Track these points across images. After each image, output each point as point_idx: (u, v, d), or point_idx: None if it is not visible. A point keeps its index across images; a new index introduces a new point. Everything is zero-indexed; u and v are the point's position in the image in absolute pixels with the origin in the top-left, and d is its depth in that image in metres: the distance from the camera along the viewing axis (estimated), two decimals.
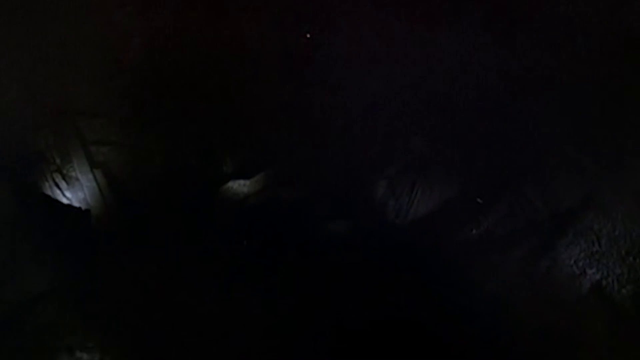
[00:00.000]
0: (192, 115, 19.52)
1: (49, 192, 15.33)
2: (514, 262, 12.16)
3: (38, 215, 12.81)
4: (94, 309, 9.77)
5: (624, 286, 11.27)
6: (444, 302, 11.83)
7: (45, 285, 10.68)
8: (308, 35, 17.92)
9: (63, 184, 17.29)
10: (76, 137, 18.52)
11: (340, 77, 18.67)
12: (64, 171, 17.75)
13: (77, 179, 17.67)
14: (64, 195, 16.01)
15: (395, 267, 13.67)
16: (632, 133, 13.69)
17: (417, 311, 12.04)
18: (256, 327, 9.33)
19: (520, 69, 16.13)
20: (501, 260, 12.35)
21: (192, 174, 19.02)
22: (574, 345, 10.00)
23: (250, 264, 14.34)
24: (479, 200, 14.58)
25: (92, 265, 11.93)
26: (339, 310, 12.35)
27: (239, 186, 18.83)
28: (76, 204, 15.57)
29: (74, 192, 17.17)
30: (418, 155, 17.41)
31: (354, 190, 17.64)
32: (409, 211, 16.24)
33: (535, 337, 10.08)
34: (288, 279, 13.76)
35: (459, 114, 17.00)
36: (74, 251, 12.19)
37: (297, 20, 18.18)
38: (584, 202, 13.07)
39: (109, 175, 18.31)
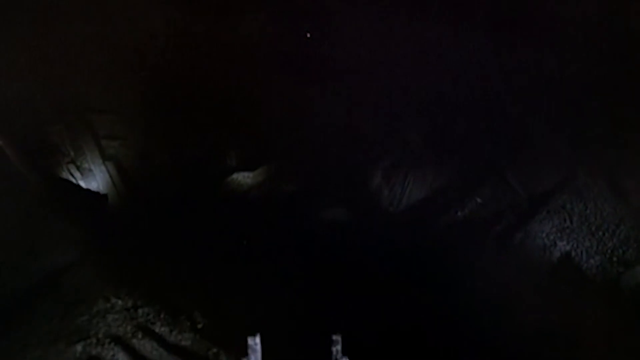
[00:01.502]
0: (197, 113, 21.32)
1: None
2: (492, 237, 14.01)
3: (63, 198, 14.62)
4: (117, 270, 11.67)
5: (592, 257, 13.08)
6: (433, 275, 13.52)
7: (75, 254, 12.45)
8: (308, 35, 19.68)
9: (78, 175, 19.01)
10: (88, 132, 20.30)
11: (340, 75, 20.48)
12: (78, 163, 19.51)
13: (91, 170, 19.44)
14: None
15: (390, 249, 15.34)
16: (608, 124, 15.60)
17: (410, 284, 13.69)
18: (257, 306, 10.57)
19: (508, 68, 18.02)
20: (481, 236, 14.18)
21: (198, 167, 20.77)
22: (544, 308, 11.76)
23: (253, 250, 15.71)
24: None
25: (110, 240, 13.80)
26: (338, 290, 13.71)
27: (243, 178, 20.60)
28: None
29: (88, 182, 18.78)
30: (411, 149, 19.25)
31: (351, 181, 19.40)
32: (402, 199, 18.02)
33: (507, 300, 11.85)
34: (290, 262, 15.30)
35: (450, 110, 18.85)
36: (95, 228, 13.98)
37: (297, 20, 19.96)
38: (559, 186, 14.94)
39: (120, 168, 20.11)
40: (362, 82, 20.52)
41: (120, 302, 10.02)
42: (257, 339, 6.70)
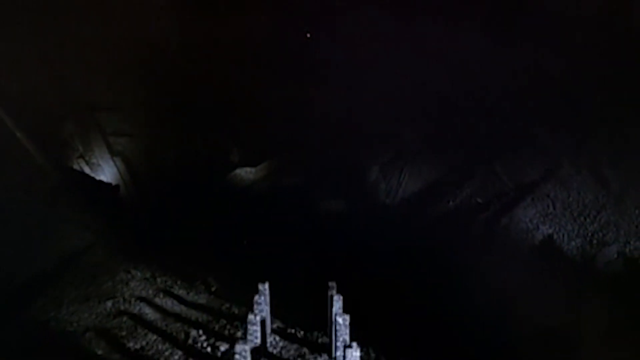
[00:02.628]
0: (202, 111, 22.81)
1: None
2: (479, 223, 15.49)
3: (78, 188, 16.10)
4: (132, 250, 13.10)
5: (574, 239, 14.53)
6: (426, 260, 14.92)
7: (90, 238, 13.87)
8: (308, 35, 21.19)
9: (87, 169, 20.43)
10: (96, 129, 21.78)
11: (339, 75, 21.99)
12: (87, 158, 20.96)
13: (99, 165, 20.87)
14: None
15: (385, 237, 16.77)
16: (592, 118, 17.12)
17: (404, 269, 15.09)
18: (264, 274, 12.01)
19: (498, 68, 19.54)
20: (469, 221, 15.65)
21: (202, 163, 22.25)
22: (524, 282, 13.18)
23: (256, 243, 17.00)
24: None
25: (122, 226, 15.26)
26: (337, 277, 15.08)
27: (246, 173, 22.09)
28: None
29: (97, 176, 20.13)
30: (407, 146, 20.77)
31: (349, 176, 20.89)
32: (398, 192, 19.52)
33: (491, 275, 13.28)
34: (291, 250, 16.67)
35: (443, 109, 20.38)
36: (107, 216, 15.43)
37: (297, 21, 21.44)
38: (544, 176, 16.46)
39: (128, 163, 21.59)
40: (360, 82, 22.06)
41: (139, 273, 11.46)
42: (266, 285, 8.13)
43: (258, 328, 6.84)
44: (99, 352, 7.58)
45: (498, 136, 18.35)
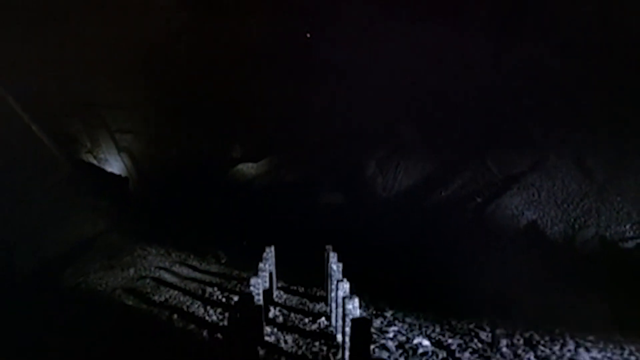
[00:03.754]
0: (204, 109, 24.46)
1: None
2: (469, 210, 17.11)
3: (90, 179, 17.72)
4: (144, 234, 14.65)
5: (557, 224, 16.12)
6: (420, 247, 16.48)
7: (103, 224, 15.45)
8: (308, 35, 22.86)
9: (95, 163, 22.01)
10: (103, 126, 23.42)
11: (338, 74, 23.66)
12: (94, 153, 22.57)
13: (107, 160, 22.50)
14: None
15: (382, 228, 18.32)
16: (577, 112, 18.76)
17: (399, 256, 16.64)
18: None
19: (487, 67, 21.22)
20: (460, 209, 17.27)
21: (205, 159, 23.87)
22: (507, 260, 14.75)
23: (258, 235, 18.51)
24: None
25: (132, 214, 16.87)
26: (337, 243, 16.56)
27: (247, 168, 23.71)
28: None
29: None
30: (402, 141, 22.41)
31: (348, 170, 22.51)
32: (394, 185, 21.13)
33: (477, 255, 14.84)
34: (292, 240, 18.17)
35: (437, 107, 22.02)
36: (118, 204, 17.04)
37: (297, 21, 23.08)
38: (531, 167, 18.08)
39: (134, 158, 23.22)
40: (358, 81, 23.71)
41: (154, 250, 13.04)
42: (272, 248, 9.70)
43: (267, 274, 8.41)
44: (129, 303, 9.15)
45: (489, 132, 19.97)
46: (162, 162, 23.05)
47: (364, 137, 23.15)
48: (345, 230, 17.61)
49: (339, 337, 7.08)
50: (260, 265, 8.08)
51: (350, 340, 5.65)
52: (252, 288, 6.98)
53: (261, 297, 6.99)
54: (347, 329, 5.98)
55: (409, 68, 22.59)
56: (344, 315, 6.13)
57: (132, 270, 11.07)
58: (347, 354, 6.05)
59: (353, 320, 5.57)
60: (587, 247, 15.13)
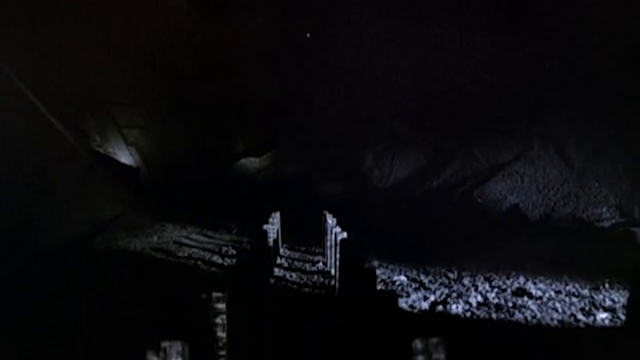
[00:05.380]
0: (209, 106, 26.83)
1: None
2: (456, 195, 19.54)
3: (106, 168, 20.14)
4: (160, 215, 17.04)
5: (537, 207, 18.51)
6: (413, 228, 18.84)
7: (120, 207, 17.86)
8: (308, 35, 25.31)
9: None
10: (111, 122, 25.82)
11: (337, 73, 26.09)
12: (104, 147, 24.92)
13: (116, 154, 24.87)
14: None
15: (378, 214, 20.69)
16: (560, 104, 21.18)
17: (394, 236, 18.97)
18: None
19: (478, 66, 23.65)
20: (448, 195, 19.71)
21: (210, 153, 26.24)
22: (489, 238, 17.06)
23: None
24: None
25: (145, 200, 19.30)
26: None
27: (250, 162, 26.11)
28: None
29: None
30: (398, 135, 24.85)
31: (346, 163, 24.90)
32: (390, 177, 23.53)
33: (465, 237, 17.15)
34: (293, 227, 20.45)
35: (430, 104, 24.43)
36: (132, 191, 19.46)
37: (297, 21, 25.48)
38: (516, 157, 20.51)
39: (141, 153, 25.61)
40: (357, 80, 26.12)
41: (170, 225, 15.44)
42: (277, 214, 12.05)
43: (274, 230, 10.78)
44: (158, 256, 11.52)
45: (478, 126, 22.39)
46: (169, 156, 25.38)
47: (362, 132, 25.53)
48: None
49: (332, 270, 9.44)
50: (266, 226, 10.40)
51: (340, 258, 7.98)
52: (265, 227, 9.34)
53: (272, 240, 9.35)
54: (338, 255, 8.31)
55: (405, 67, 25.00)
56: (336, 254, 8.45)
57: (155, 237, 13.44)
58: (337, 276, 8.37)
59: (342, 240, 7.92)
60: (562, 226, 17.51)
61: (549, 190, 19.21)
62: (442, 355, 2.56)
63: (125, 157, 24.96)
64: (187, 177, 24.03)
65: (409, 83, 24.74)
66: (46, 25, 24.19)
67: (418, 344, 2.56)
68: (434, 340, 2.56)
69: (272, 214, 11.95)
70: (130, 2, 26.37)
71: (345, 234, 8.47)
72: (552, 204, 18.77)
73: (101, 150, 24.48)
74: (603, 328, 7.35)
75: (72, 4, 24.93)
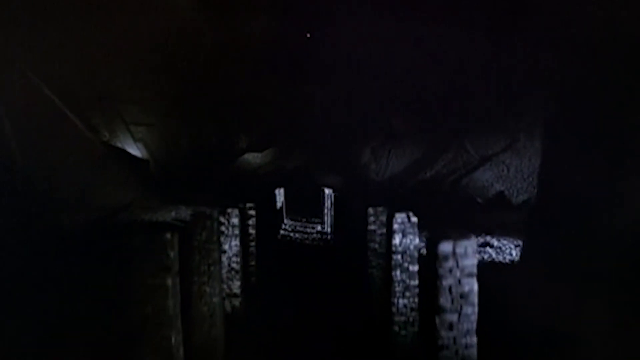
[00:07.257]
0: (212, 103, 29.46)
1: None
2: (447, 184, 22.21)
3: (118, 159, 22.77)
4: (172, 201, 19.66)
5: (522, 194, 21.17)
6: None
7: (133, 195, 20.48)
8: (308, 35, 27.91)
9: None
10: (119, 119, 28.45)
11: (337, 72, 28.61)
12: (112, 143, 27.54)
13: (124, 149, 27.48)
14: None
15: (374, 202, 23.30)
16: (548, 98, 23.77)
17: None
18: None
19: (469, 64, 26.26)
20: (439, 183, 22.36)
21: (214, 149, 28.88)
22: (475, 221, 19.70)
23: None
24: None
25: (157, 187, 21.91)
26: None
27: (253, 158, 28.70)
28: None
29: None
30: (394, 131, 27.48)
31: (344, 157, 27.50)
32: (386, 170, 26.17)
33: (450, 216, 19.79)
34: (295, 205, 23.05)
35: (424, 101, 27.08)
36: (145, 181, 22.09)
37: (297, 21, 28.00)
38: (504, 149, 23.16)
39: (149, 148, 28.26)
40: (355, 79, 28.67)
41: (184, 207, 18.06)
42: (282, 190, 14.62)
43: (279, 199, 13.36)
44: (180, 225, 14.10)
45: (469, 119, 25.02)
46: (174, 152, 28.02)
47: (359, 128, 28.15)
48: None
49: (328, 229, 12.04)
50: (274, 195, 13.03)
51: (334, 212, 10.57)
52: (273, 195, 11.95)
53: (282, 204, 11.94)
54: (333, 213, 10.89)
55: (396, 68, 27.57)
56: (331, 217, 11.00)
57: (172, 213, 16.05)
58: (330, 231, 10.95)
59: (336, 197, 10.51)
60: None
61: (533, 179, 21.80)
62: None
63: (133, 152, 27.58)
64: (193, 171, 26.67)
65: (409, 83, 27.35)
66: (61, 26, 26.78)
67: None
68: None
69: (277, 191, 14.55)
70: (140, 1, 28.95)
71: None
72: (535, 190, 21.37)
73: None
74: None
75: (81, 5, 27.59)
